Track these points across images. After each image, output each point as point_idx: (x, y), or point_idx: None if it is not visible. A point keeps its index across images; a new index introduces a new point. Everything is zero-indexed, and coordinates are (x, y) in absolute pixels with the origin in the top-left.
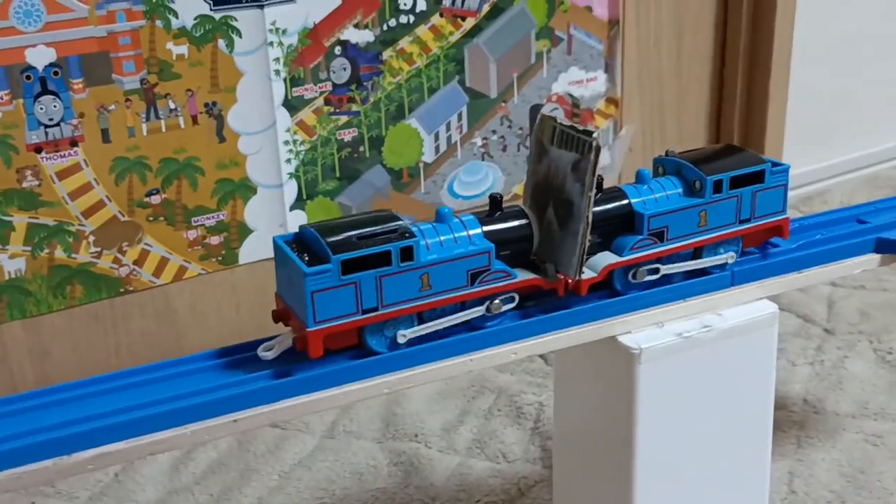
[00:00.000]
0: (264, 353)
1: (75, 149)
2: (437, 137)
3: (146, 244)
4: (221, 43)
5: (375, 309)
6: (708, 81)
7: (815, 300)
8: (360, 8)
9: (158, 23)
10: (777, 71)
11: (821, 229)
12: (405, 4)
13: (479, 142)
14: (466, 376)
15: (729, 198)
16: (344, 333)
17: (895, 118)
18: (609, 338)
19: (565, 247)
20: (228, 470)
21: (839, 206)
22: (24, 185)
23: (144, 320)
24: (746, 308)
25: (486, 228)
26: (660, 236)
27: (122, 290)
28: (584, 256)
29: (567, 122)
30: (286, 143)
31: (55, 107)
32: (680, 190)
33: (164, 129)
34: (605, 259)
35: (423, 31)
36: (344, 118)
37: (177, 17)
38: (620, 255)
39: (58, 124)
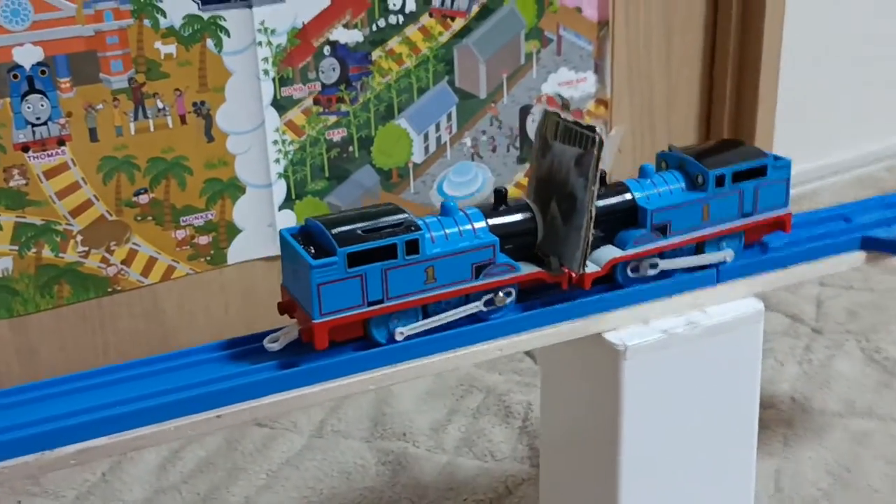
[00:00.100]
0: (270, 345)
1: (63, 148)
2: (426, 138)
3: (134, 244)
4: (210, 42)
5: (381, 301)
6: (697, 82)
7: (803, 300)
8: (349, 8)
9: (146, 22)
10: (766, 72)
11: (807, 228)
12: (394, 5)
13: (468, 142)
14: (455, 376)
15: (731, 192)
16: (349, 325)
17: (885, 119)
18: (594, 335)
19: (569, 241)
20: (216, 469)
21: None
22: (11, 184)
23: (132, 320)
24: (732, 305)
25: (490, 222)
26: (663, 231)
27: (109, 289)
28: (588, 250)
29: (570, 118)
30: (275, 142)
31: (42, 106)
32: (682, 184)
33: (152, 129)
34: (609, 253)
35: (412, 31)
36: (333, 118)
37: (165, 17)
38: (623, 250)
39: (45, 123)
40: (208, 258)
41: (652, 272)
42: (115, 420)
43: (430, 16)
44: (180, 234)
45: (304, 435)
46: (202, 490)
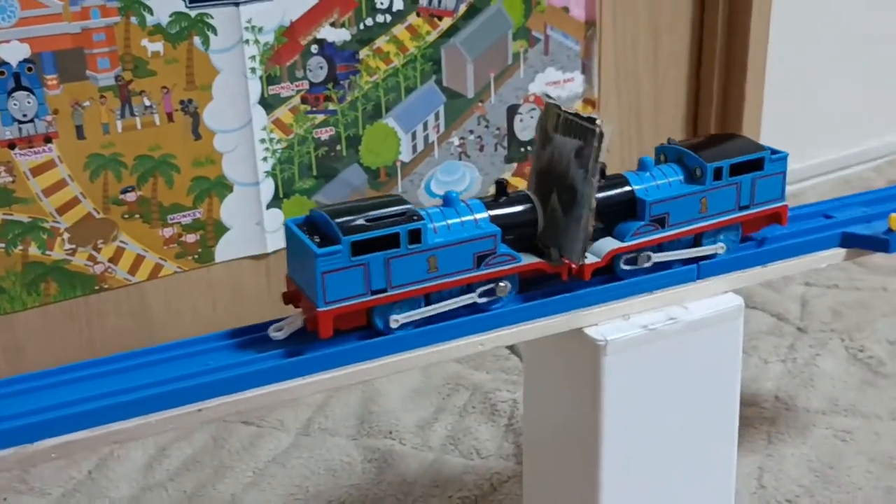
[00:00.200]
0: (275, 334)
1: (49, 145)
2: (414, 137)
3: (121, 242)
4: (197, 40)
5: (384, 290)
6: (684, 83)
7: (788, 299)
8: (336, 6)
9: (133, 19)
10: (753, 72)
11: (788, 224)
12: (382, 4)
13: (456, 141)
14: (441, 374)
15: (729, 185)
16: (353, 314)
17: (870, 120)
18: (575, 330)
19: (569, 232)
20: (203, 466)
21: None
22: None
23: (119, 318)
24: (712, 301)
25: (492, 213)
26: (661, 222)
27: (96, 287)
28: (588, 242)
29: (571, 110)
30: (262, 141)
31: (29, 103)
32: (681, 177)
33: (139, 127)
34: (608, 245)
35: (399, 30)
36: (321, 117)
37: (152, 14)
38: (622, 241)
39: (31, 120)
40: (196, 256)
41: (646, 264)
42: (99, 413)
43: (418, 15)
44: (168, 232)
45: (291, 433)
46: (189, 488)
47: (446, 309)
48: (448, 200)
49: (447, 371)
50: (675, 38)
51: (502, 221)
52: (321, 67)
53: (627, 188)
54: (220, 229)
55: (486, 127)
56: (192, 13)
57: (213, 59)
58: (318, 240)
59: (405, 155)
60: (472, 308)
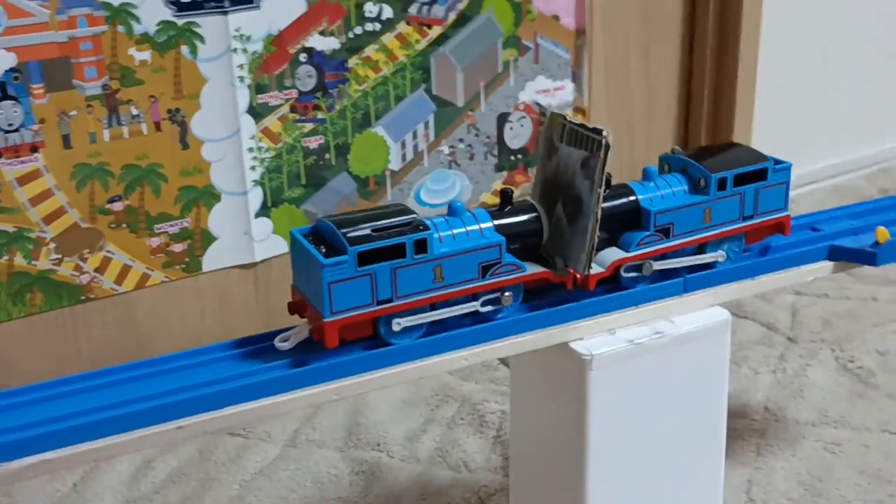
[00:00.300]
0: (281, 344)
1: (35, 155)
2: (403, 145)
3: (108, 251)
4: (185, 49)
5: (390, 300)
6: (675, 91)
7: (778, 308)
8: (325, 15)
9: (120, 28)
10: (743, 81)
11: (776, 237)
12: (371, 12)
13: (445, 150)
14: (430, 385)
15: (733, 195)
16: (359, 324)
17: (861, 128)
18: (561, 344)
19: (574, 242)
20: (188, 479)
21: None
22: None
23: (106, 328)
24: (699, 315)
25: (497, 222)
26: (666, 232)
27: (83, 297)
28: (594, 252)
29: (577, 121)
30: (251, 150)
31: (15, 112)
32: (685, 187)
33: (126, 136)
34: (613, 255)
35: (389, 38)
36: (309, 125)
37: (139, 23)
38: (627, 251)
39: (17, 130)
40: (183, 266)
41: (647, 273)
42: (78, 430)
43: (407, 23)
44: (155, 241)
45: (278, 444)
46: (174, 500)
47: (449, 315)
48: (453, 210)
49: (436, 381)
50: (666, 47)
51: (507, 231)
52: (310, 76)
53: (632, 198)
54: (208, 239)
55: (476, 135)
56: (180, 22)
57: (200, 67)
58: (324, 250)
59: (394, 164)
60: (476, 317)
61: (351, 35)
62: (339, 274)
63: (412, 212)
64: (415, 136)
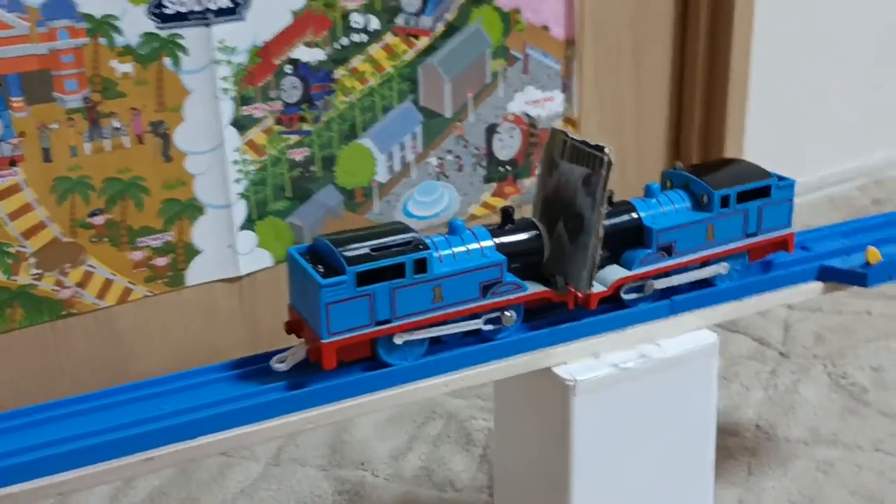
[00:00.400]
0: (277, 365)
1: (15, 168)
2: (390, 157)
3: (90, 266)
4: (167, 61)
5: (389, 321)
6: (666, 102)
7: (771, 323)
8: (311, 26)
9: (102, 40)
10: (735, 91)
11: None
12: (357, 23)
13: (434, 161)
14: (417, 401)
15: (736, 212)
16: (357, 345)
17: (853, 139)
18: (544, 369)
19: (576, 260)
20: (169, 499)
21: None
22: None
23: (89, 343)
24: (685, 338)
25: (497, 241)
26: (668, 250)
27: (64, 312)
28: (595, 270)
29: (578, 138)
30: (235, 162)
31: None
32: (688, 204)
33: (108, 149)
34: (615, 273)
35: (375, 49)
36: (295, 137)
37: (121, 35)
38: (629, 269)
39: None
40: (166, 280)
41: (648, 293)
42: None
43: (394, 34)
44: (137, 255)
45: (261, 462)
46: None
47: (451, 332)
48: (453, 228)
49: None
50: (657, 57)
51: (508, 250)
52: (295, 88)
53: (634, 215)
54: (192, 252)
55: (465, 147)
56: (163, 34)
57: (183, 79)
58: (322, 269)
59: (382, 175)
60: (477, 336)
61: (337, 46)
62: (337, 294)
63: (411, 230)
64: (402, 147)
